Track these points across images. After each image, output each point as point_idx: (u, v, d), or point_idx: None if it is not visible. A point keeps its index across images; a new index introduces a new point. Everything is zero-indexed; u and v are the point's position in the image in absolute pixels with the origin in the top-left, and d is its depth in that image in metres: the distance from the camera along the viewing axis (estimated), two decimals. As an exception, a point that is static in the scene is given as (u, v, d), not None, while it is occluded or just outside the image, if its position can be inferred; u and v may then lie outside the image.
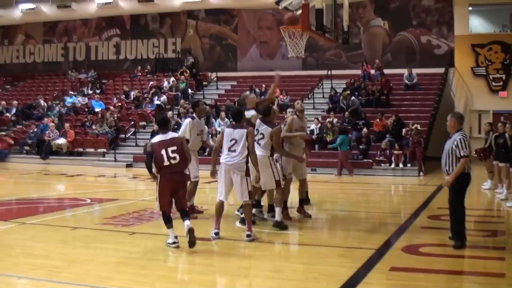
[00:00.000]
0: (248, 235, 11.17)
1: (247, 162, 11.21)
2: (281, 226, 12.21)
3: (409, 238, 11.56)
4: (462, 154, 10.42)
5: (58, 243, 10.98)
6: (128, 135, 32.90)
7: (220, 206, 11.51)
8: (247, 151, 11.18)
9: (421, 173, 25.53)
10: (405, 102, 32.16)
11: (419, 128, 26.92)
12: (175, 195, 10.63)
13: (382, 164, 26.45)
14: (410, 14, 36.55)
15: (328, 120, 28.96)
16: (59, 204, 17.03)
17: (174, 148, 10.55)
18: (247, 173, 11.22)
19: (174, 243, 10.48)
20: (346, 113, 29.76)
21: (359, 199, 19.43)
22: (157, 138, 10.73)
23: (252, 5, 38.32)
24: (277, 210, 12.35)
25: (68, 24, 44.69)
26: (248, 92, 17.50)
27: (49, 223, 13.15)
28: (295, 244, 11.70)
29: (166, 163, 10.46)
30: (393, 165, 26.14)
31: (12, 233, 11.97)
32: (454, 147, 10.50)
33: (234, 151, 11.21)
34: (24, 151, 33.07)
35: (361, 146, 27.25)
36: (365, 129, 27.62)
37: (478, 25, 35.95)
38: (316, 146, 28.34)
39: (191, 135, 13.36)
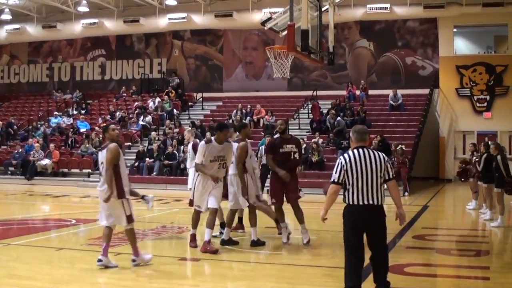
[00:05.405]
0: (133, 260, 10.79)
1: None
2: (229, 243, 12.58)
3: (394, 258, 11.46)
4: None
5: (43, 264, 10.90)
6: (114, 155, 32.72)
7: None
8: None
9: (406, 193, 25.49)
10: (390, 123, 32.29)
11: (404, 148, 27.00)
12: None
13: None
14: (395, 36, 36.77)
15: (313, 140, 29.04)
16: (44, 225, 16.92)
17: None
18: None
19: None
20: (331, 134, 30.02)
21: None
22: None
23: (238, 25, 38.43)
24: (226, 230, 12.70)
25: (53, 44, 44.59)
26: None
27: (34, 244, 13.05)
28: (279, 264, 11.57)
29: None
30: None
31: (-4, 254, 11.88)
32: None
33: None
34: (9, 172, 32.91)
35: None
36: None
37: (462, 46, 36.32)
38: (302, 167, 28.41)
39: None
